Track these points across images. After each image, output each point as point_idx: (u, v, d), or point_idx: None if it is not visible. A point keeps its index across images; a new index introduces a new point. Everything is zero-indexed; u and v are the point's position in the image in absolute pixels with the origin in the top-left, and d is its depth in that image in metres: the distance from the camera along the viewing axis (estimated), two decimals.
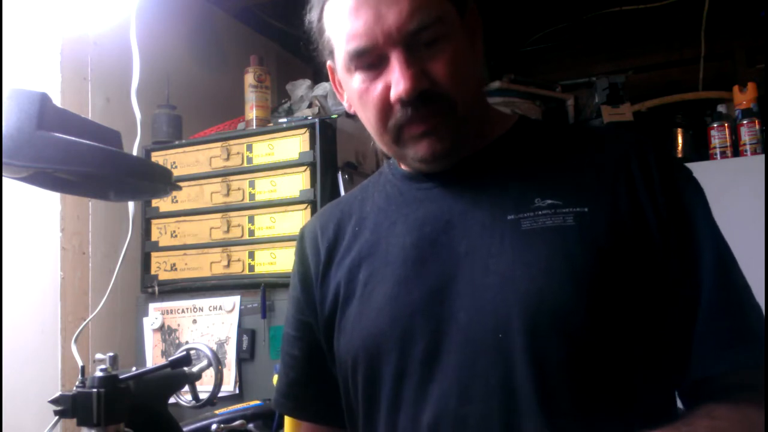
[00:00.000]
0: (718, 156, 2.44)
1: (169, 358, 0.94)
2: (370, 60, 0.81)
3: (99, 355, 0.92)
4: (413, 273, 0.84)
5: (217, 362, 1.08)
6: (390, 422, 0.83)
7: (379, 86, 0.81)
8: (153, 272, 1.92)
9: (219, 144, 1.87)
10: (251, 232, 1.81)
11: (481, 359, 0.77)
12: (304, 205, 1.74)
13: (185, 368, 1.01)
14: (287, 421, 1.32)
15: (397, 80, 0.79)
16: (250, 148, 1.83)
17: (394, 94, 0.80)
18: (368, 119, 0.86)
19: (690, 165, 0.86)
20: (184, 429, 1.29)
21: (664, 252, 0.79)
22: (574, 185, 0.82)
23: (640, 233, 0.79)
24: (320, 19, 0.86)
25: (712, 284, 0.77)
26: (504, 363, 0.76)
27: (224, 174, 1.86)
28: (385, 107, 0.82)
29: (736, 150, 2.43)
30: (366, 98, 0.83)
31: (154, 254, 1.93)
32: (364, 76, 0.82)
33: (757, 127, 2.40)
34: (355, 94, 0.85)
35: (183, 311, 1.85)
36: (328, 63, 0.91)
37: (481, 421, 0.76)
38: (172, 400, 1.01)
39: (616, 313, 0.76)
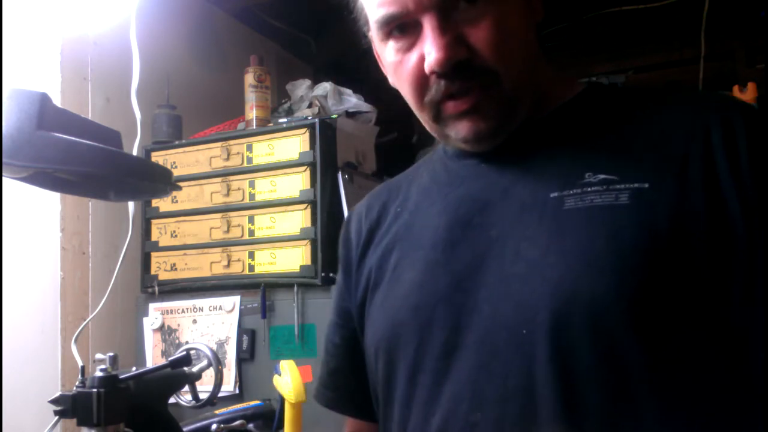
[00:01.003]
0: None
1: (169, 358, 0.94)
2: (403, 28, 0.72)
3: (99, 355, 0.92)
4: (443, 258, 0.75)
5: (217, 362, 1.08)
6: (402, 421, 0.77)
7: (413, 57, 0.72)
8: (153, 272, 1.92)
9: (219, 144, 1.87)
10: (251, 232, 1.81)
11: (500, 358, 0.68)
12: (304, 205, 1.74)
13: (185, 368, 1.01)
14: (287, 421, 1.32)
15: (429, 50, 0.69)
16: (250, 148, 1.83)
17: (426, 66, 0.70)
18: (405, 94, 0.77)
19: None
20: (184, 429, 1.29)
21: (747, 246, 0.64)
22: (635, 157, 0.69)
23: (715, 220, 0.64)
24: None
25: None
26: (525, 363, 0.66)
27: (224, 174, 1.86)
28: (420, 81, 0.73)
29: None
30: (400, 71, 0.74)
31: (154, 254, 1.93)
32: (398, 46, 0.73)
33: None
34: (390, 67, 0.76)
35: (183, 311, 1.85)
36: (370, 33, 0.81)
37: (493, 427, 0.67)
38: (172, 400, 1.01)
39: (669, 313, 0.64)
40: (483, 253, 0.73)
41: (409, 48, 0.73)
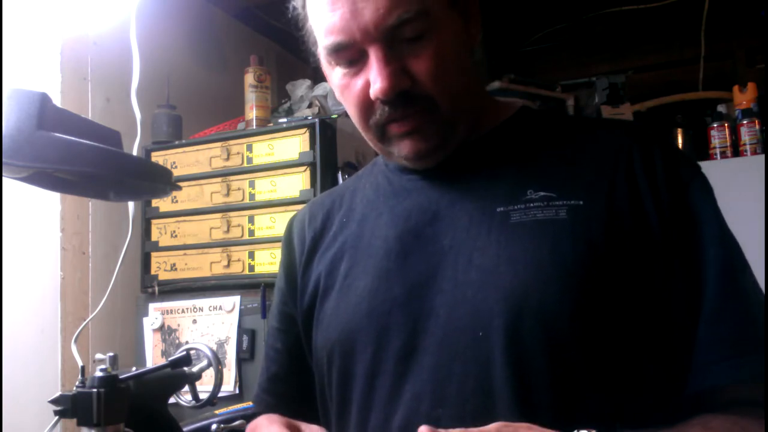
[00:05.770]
0: (718, 156, 2.44)
1: (169, 358, 0.94)
2: (349, 55, 0.77)
3: (99, 355, 0.92)
4: (395, 267, 0.80)
5: (217, 362, 1.07)
6: (361, 422, 0.79)
7: (359, 83, 0.78)
8: (153, 272, 1.92)
9: (219, 144, 1.87)
10: (251, 232, 1.81)
11: (458, 359, 0.73)
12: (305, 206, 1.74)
13: (185, 368, 1.01)
14: None
15: (374, 79, 0.75)
16: (250, 148, 1.83)
17: (372, 93, 0.76)
18: (351, 115, 0.83)
19: None
20: (184, 429, 1.29)
21: (665, 252, 0.74)
22: (570, 177, 0.78)
23: (639, 231, 0.74)
24: (303, 6, 0.83)
25: (716, 290, 0.72)
26: (482, 364, 0.72)
27: (224, 174, 1.86)
28: (366, 105, 0.78)
29: (736, 150, 2.43)
30: (347, 94, 0.80)
31: (154, 254, 1.93)
32: (345, 71, 0.79)
33: (757, 127, 2.40)
34: (337, 88, 0.82)
35: (183, 311, 1.85)
36: (318, 51, 0.86)
37: (454, 424, 0.68)
38: (172, 400, 1.01)
39: (607, 315, 0.72)
40: (437, 262, 0.78)
41: (355, 74, 0.78)
